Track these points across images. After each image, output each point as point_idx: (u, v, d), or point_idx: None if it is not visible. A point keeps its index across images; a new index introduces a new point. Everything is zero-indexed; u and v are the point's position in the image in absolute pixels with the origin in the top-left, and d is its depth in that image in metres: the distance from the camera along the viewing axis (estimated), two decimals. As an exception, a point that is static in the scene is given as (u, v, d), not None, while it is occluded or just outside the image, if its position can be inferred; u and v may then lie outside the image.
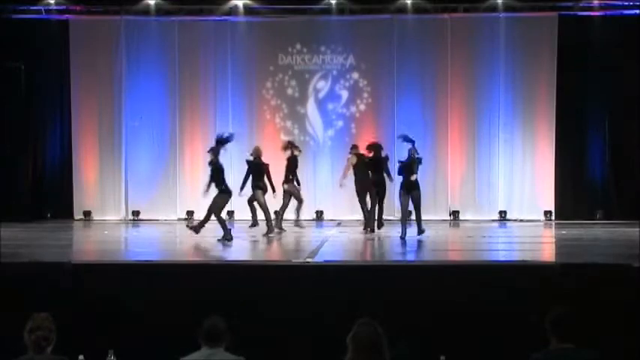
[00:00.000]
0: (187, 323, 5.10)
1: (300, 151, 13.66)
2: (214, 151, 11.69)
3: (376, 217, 13.00)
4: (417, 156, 11.90)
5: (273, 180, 12.81)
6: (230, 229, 11.63)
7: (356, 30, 15.96)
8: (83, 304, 7.43)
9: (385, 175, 12.93)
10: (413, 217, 12.02)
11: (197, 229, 11.72)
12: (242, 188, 12.41)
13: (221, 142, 11.84)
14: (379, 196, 12.96)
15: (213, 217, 11.56)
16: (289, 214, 13.53)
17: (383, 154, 13.08)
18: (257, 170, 12.49)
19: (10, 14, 15.39)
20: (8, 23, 15.31)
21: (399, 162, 12.17)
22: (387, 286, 7.79)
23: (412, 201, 11.84)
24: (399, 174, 12.16)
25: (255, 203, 12.68)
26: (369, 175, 12.83)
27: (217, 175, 11.53)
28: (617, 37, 15.04)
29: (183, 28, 15.92)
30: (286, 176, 13.13)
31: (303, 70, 16.05)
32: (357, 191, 12.90)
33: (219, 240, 11.43)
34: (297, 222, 13.51)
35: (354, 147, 13.33)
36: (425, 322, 7.33)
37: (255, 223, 12.92)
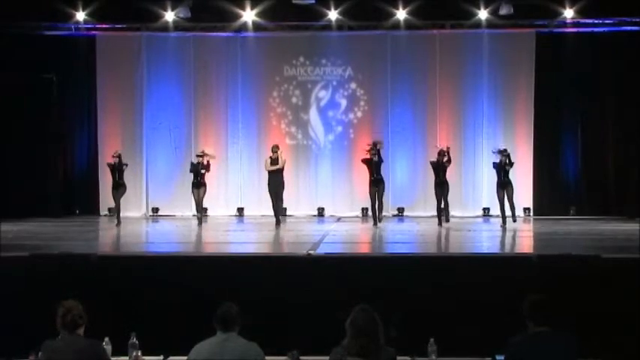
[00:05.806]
0: (202, 309, 5.10)
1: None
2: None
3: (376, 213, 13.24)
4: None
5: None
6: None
7: (354, 44, 15.92)
8: (108, 292, 7.43)
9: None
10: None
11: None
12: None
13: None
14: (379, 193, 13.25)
15: None
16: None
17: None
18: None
19: (43, 31, 15.40)
20: (42, 39, 15.36)
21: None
22: (383, 275, 7.78)
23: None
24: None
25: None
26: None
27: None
28: (588, 51, 15.09)
29: (198, 42, 15.88)
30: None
31: (306, 80, 16.02)
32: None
33: None
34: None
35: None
36: (416, 308, 7.32)
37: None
